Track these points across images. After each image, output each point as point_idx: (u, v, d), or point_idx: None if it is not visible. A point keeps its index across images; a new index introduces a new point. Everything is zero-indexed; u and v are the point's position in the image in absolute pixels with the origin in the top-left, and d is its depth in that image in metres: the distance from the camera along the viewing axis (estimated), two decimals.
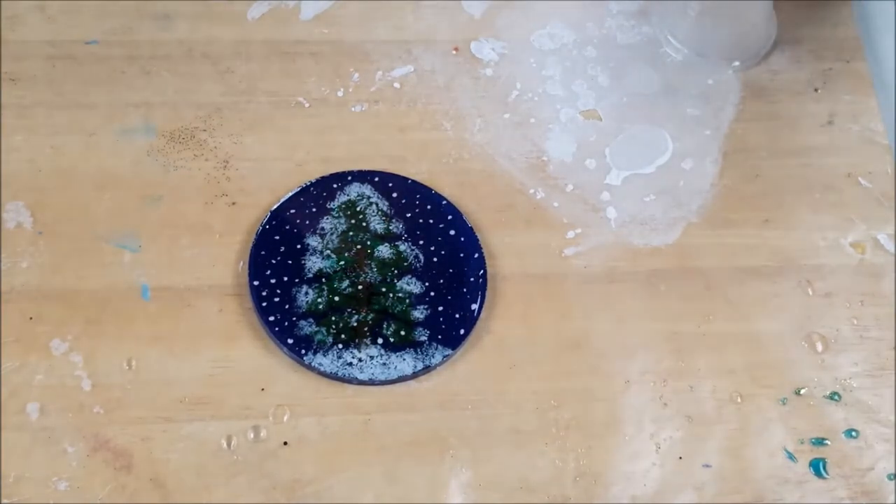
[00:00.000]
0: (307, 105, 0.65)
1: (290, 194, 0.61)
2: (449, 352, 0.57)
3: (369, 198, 0.61)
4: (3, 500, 0.53)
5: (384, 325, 0.58)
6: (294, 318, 0.58)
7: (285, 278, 0.59)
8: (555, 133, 0.66)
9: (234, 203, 0.61)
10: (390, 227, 0.60)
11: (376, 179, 0.62)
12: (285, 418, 0.56)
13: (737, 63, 0.69)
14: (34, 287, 0.58)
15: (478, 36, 0.69)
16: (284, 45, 0.67)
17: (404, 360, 0.57)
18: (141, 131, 0.63)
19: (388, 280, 0.59)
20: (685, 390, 0.58)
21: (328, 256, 0.59)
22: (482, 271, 0.60)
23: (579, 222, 0.63)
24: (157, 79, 0.65)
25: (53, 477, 0.54)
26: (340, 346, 0.57)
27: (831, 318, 0.61)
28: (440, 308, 0.58)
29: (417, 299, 0.59)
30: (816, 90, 0.68)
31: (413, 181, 0.62)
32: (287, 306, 0.58)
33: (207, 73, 0.65)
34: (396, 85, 0.66)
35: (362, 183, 0.62)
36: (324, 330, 0.57)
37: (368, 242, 0.60)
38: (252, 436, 0.55)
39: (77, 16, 0.66)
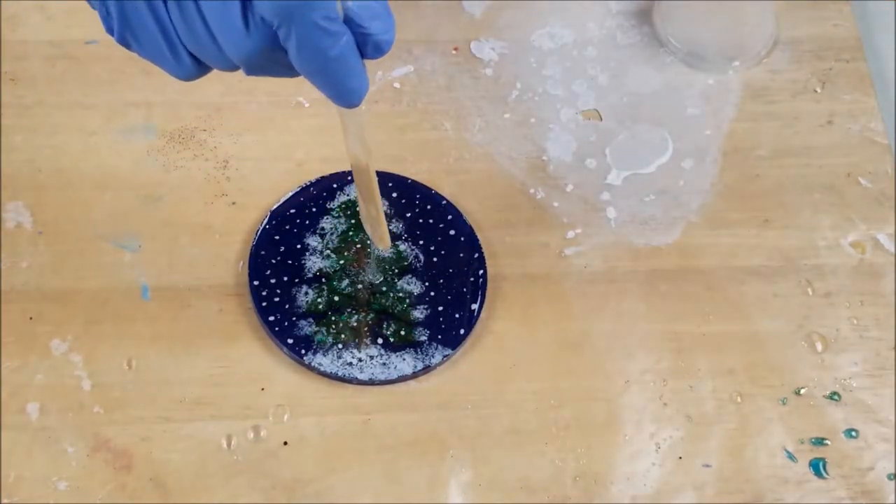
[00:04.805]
0: (307, 105, 0.65)
1: (290, 194, 0.61)
2: (449, 352, 0.57)
3: None
4: (3, 500, 0.53)
5: (384, 325, 0.58)
6: (294, 318, 0.58)
7: (285, 278, 0.58)
8: (555, 133, 0.66)
9: (234, 203, 0.61)
10: (390, 227, 0.60)
11: None
12: (285, 418, 0.56)
13: (737, 63, 0.69)
14: (34, 287, 0.58)
15: (478, 36, 0.69)
16: None
17: (404, 360, 0.57)
18: (141, 131, 0.63)
19: (388, 280, 0.59)
20: (685, 390, 0.58)
21: (328, 256, 0.59)
22: (482, 271, 0.60)
23: (579, 222, 0.63)
24: (157, 79, 0.64)
25: (53, 477, 0.54)
26: (340, 346, 0.57)
27: (831, 318, 0.61)
28: (440, 308, 0.58)
29: (417, 299, 0.59)
30: (816, 90, 0.68)
31: (413, 181, 0.62)
32: (287, 306, 0.58)
33: None
34: (396, 85, 0.66)
35: None
36: (324, 330, 0.57)
37: (368, 242, 0.60)
38: (252, 436, 0.55)
39: (77, 16, 0.66)
